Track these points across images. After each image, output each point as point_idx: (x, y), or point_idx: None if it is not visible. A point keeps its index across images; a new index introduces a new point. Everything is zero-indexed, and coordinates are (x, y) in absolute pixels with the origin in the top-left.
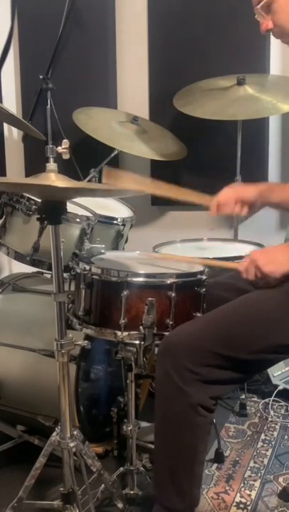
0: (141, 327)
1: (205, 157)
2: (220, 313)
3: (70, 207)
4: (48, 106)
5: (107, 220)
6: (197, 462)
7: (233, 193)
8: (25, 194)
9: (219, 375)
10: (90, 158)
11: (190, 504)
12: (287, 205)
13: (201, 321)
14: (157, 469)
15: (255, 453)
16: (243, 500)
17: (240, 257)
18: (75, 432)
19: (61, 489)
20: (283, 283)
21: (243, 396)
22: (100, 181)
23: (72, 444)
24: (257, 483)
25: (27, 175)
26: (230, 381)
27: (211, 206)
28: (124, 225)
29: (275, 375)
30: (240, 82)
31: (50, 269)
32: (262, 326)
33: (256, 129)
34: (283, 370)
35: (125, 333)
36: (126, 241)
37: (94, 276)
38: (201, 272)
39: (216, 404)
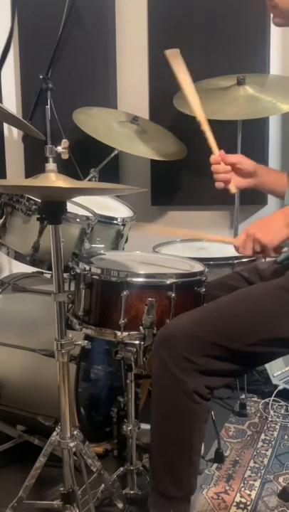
0: (141, 327)
1: (205, 157)
2: (219, 304)
3: (70, 207)
4: (48, 106)
5: (107, 220)
6: (194, 451)
7: (233, 156)
8: (25, 194)
9: (216, 365)
10: (90, 158)
11: (187, 492)
12: (278, 188)
13: (199, 311)
14: (154, 458)
15: (255, 453)
16: (243, 500)
17: (240, 257)
18: (75, 432)
19: (61, 489)
20: (280, 251)
21: (243, 396)
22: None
23: (72, 444)
24: (257, 483)
25: (27, 175)
26: (228, 373)
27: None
28: (124, 225)
29: (275, 375)
30: (240, 82)
31: (50, 269)
32: (260, 318)
33: (256, 129)
34: (283, 370)
35: (125, 333)
36: (126, 241)
37: (94, 276)
38: (201, 272)
39: (212, 393)
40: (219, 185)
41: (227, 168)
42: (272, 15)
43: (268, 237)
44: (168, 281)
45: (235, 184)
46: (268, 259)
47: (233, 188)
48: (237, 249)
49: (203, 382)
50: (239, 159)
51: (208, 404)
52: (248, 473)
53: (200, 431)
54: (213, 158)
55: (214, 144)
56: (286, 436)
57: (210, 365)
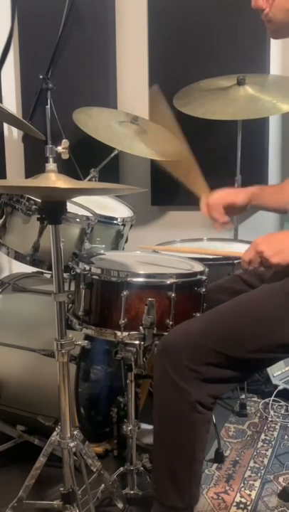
0: (141, 327)
1: (205, 157)
2: (219, 311)
3: (70, 207)
4: (48, 106)
5: (107, 220)
6: (196, 460)
7: (223, 198)
8: (25, 194)
9: (218, 373)
10: (90, 158)
11: (189, 502)
12: (274, 207)
13: (199, 319)
14: (156, 468)
15: (255, 453)
16: (243, 500)
17: (239, 257)
18: (75, 432)
19: (61, 489)
20: (285, 269)
21: (243, 396)
22: (100, 181)
23: (72, 444)
24: (257, 483)
25: (27, 175)
26: (229, 380)
27: (201, 205)
28: (124, 225)
29: (275, 375)
30: (240, 82)
31: (50, 269)
32: (261, 325)
33: (256, 129)
34: (283, 370)
35: (125, 334)
36: (126, 241)
37: (94, 277)
38: (201, 272)
39: (215, 402)
40: (220, 228)
41: (220, 214)
42: (267, 28)
43: (278, 257)
44: (168, 281)
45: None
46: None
47: (228, 227)
48: (244, 263)
49: (206, 391)
50: (228, 200)
51: (209, 414)
52: (248, 473)
53: (202, 440)
54: (203, 212)
55: (201, 189)
56: (286, 436)
57: (212, 373)
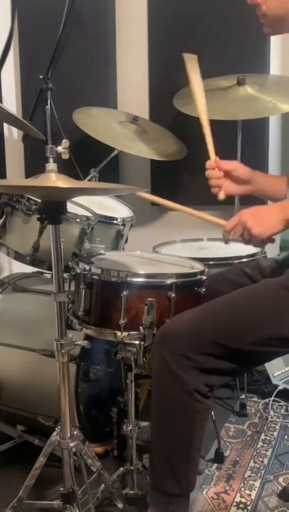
0: (141, 327)
1: (205, 157)
2: (218, 303)
3: (70, 207)
4: (48, 106)
5: (107, 220)
6: (194, 448)
7: (229, 163)
8: (25, 194)
9: (215, 364)
10: (90, 158)
11: (186, 489)
12: (273, 193)
13: (199, 309)
14: (154, 455)
15: (255, 453)
16: (243, 500)
17: (239, 257)
18: (75, 432)
19: (61, 489)
20: (268, 242)
21: (243, 396)
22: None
23: (72, 444)
24: (257, 483)
25: (27, 175)
26: (226, 371)
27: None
28: (124, 225)
29: (275, 375)
30: (240, 82)
31: (50, 269)
32: (260, 317)
33: (256, 129)
34: (283, 370)
35: (125, 334)
36: (126, 241)
37: (94, 277)
38: (201, 272)
39: (211, 391)
40: (214, 190)
41: (219, 174)
42: (262, 24)
43: (260, 228)
44: (168, 281)
45: (226, 190)
46: (269, 256)
47: (221, 195)
48: (226, 232)
49: (202, 380)
50: (234, 166)
51: (208, 402)
52: (248, 473)
53: (200, 428)
54: (208, 164)
55: (212, 149)
56: (286, 436)
57: (209, 363)
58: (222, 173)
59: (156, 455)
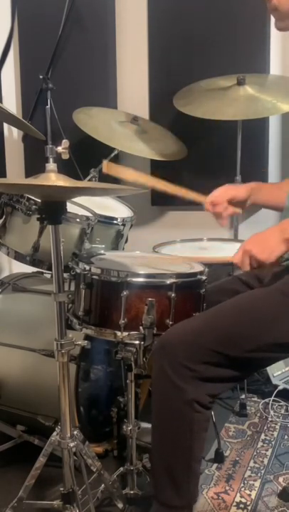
0: (141, 327)
1: (205, 157)
2: (217, 311)
3: (70, 207)
4: (48, 106)
5: (107, 220)
6: (194, 459)
7: (224, 193)
8: (25, 194)
9: (216, 372)
10: (90, 158)
11: (188, 501)
12: (273, 203)
13: (198, 318)
14: (154, 466)
15: (255, 453)
16: (243, 500)
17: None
18: (75, 432)
19: (61, 489)
20: (278, 263)
21: (243, 396)
22: (100, 181)
23: (72, 444)
24: (257, 483)
25: (27, 175)
26: (227, 379)
27: (205, 203)
28: (124, 225)
29: (275, 375)
30: (240, 82)
31: (50, 269)
32: (260, 324)
33: (256, 129)
34: (283, 370)
35: (125, 334)
36: (126, 241)
37: (94, 277)
38: (201, 273)
39: (213, 401)
40: (223, 223)
41: (224, 205)
42: (273, 19)
43: (265, 254)
44: (168, 281)
45: (232, 214)
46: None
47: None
48: (236, 265)
49: (203, 390)
50: (231, 194)
51: (208, 412)
52: (248, 473)
53: (200, 439)
54: (207, 206)
55: (198, 197)
56: (286, 436)
57: (209, 372)
58: (226, 203)
59: (157, 465)
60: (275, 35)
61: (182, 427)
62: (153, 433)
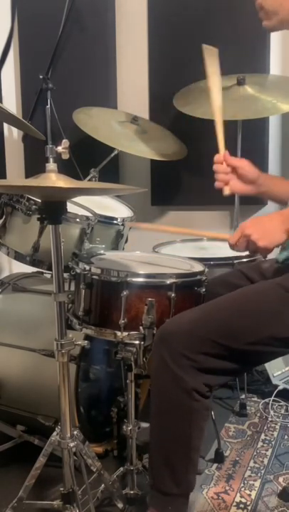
0: (141, 327)
1: (205, 157)
2: (218, 302)
3: (70, 207)
4: (48, 106)
5: (107, 220)
6: (193, 448)
7: (237, 160)
8: (25, 194)
9: (215, 364)
10: (90, 158)
11: (185, 489)
12: (280, 195)
13: (198, 309)
14: (153, 454)
15: (255, 453)
16: (243, 500)
17: (239, 257)
18: (75, 432)
19: (61, 489)
20: (270, 252)
21: (243, 396)
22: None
23: (72, 444)
24: (257, 483)
25: (27, 175)
26: (226, 371)
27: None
28: (124, 225)
29: (275, 375)
30: (240, 82)
31: (50, 269)
32: (260, 317)
33: (256, 129)
34: (283, 370)
35: (125, 333)
36: (126, 241)
37: (94, 277)
38: (201, 272)
39: (210, 391)
40: (218, 184)
41: (227, 169)
42: (260, 18)
43: (265, 241)
44: (168, 281)
45: (232, 187)
46: (268, 257)
47: (226, 190)
48: (231, 246)
49: (201, 380)
50: (242, 164)
51: (207, 401)
52: (248, 473)
53: (199, 428)
54: (216, 157)
55: (222, 144)
56: (286, 436)
57: (208, 363)
58: (230, 168)
59: (155, 454)
60: (275, 35)
61: (181, 416)
62: (152, 422)
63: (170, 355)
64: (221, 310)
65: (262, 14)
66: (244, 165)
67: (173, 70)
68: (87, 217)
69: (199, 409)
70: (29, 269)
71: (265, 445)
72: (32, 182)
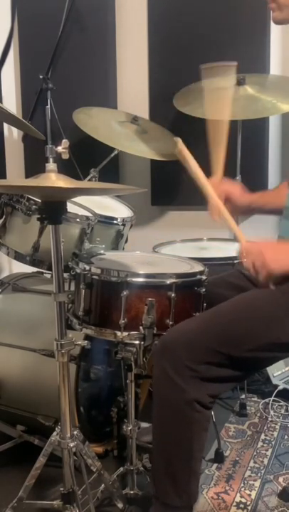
0: (141, 327)
1: (205, 157)
2: (218, 310)
3: (70, 207)
4: (48, 106)
5: (107, 220)
6: (194, 458)
7: (230, 187)
8: (25, 194)
9: (217, 372)
10: (90, 158)
11: (188, 500)
12: (271, 208)
13: (198, 318)
14: (155, 466)
15: (255, 453)
16: (243, 500)
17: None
18: (75, 432)
19: (61, 489)
20: (270, 278)
21: (243, 396)
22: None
23: (72, 444)
24: (257, 483)
25: (27, 175)
26: (229, 379)
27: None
28: (124, 225)
29: (275, 375)
30: (240, 82)
31: (50, 269)
32: (260, 323)
33: (256, 129)
34: (283, 370)
35: (125, 333)
36: (126, 241)
37: (94, 277)
38: (201, 272)
39: (214, 402)
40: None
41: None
42: (271, 10)
43: (275, 265)
44: (168, 281)
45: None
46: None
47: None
48: (240, 253)
49: (204, 390)
50: (234, 191)
51: (208, 412)
52: (248, 473)
53: (200, 439)
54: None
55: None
56: (286, 436)
57: (211, 372)
58: (223, 193)
59: (158, 465)
60: (275, 35)
61: (183, 427)
62: (154, 433)
63: (172, 366)
64: (220, 318)
65: (274, 6)
66: (236, 191)
67: (173, 70)
68: (87, 217)
69: (201, 420)
70: (29, 269)
71: (265, 445)
72: (32, 182)
